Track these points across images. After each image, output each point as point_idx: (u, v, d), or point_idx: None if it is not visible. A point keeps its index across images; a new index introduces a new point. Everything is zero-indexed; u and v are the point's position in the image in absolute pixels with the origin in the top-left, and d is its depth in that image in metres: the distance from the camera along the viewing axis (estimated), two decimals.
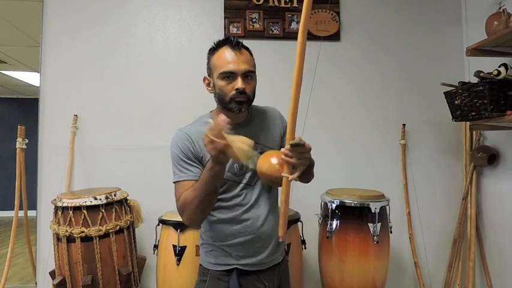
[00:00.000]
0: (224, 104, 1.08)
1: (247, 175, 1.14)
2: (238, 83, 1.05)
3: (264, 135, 1.19)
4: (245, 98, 1.07)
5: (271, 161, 0.98)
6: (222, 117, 0.85)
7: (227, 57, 1.06)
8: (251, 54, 1.12)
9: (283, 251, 1.27)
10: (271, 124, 1.23)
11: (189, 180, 1.06)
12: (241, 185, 1.14)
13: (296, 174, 0.92)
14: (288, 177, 0.91)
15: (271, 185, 1.15)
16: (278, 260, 1.21)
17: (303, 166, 0.93)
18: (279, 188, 0.98)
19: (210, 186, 0.97)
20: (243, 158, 0.87)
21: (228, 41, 1.08)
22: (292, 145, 0.89)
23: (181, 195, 1.04)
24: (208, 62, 1.13)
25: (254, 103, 1.17)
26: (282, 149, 0.92)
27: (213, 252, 1.17)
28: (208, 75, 1.14)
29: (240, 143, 0.86)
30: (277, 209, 1.20)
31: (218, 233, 1.15)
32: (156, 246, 1.83)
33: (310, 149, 0.94)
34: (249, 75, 1.08)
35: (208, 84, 1.15)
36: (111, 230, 1.68)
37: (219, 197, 1.11)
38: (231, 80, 1.06)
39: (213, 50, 1.11)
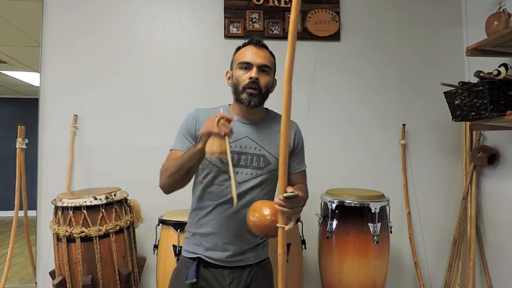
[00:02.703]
0: (237, 93, 1.14)
1: (237, 169, 1.14)
2: (253, 72, 1.11)
3: (270, 141, 1.18)
4: (257, 91, 1.12)
5: (263, 212, 0.96)
6: (234, 118, 0.99)
7: (247, 51, 1.15)
8: (272, 55, 1.20)
9: (264, 255, 1.24)
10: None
11: (180, 151, 1.13)
12: (224, 176, 1.14)
13: (292, 224, 0.93)
14: (284, 228, 0.91)
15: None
16: (250, 262, 1.18)
17: (297, 214, 0.96)
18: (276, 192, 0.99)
19: (186, 162, 1.05)
20: (208, 150, 0.96)
21: (253, 40, 1.18)
22: (286, 198, 0.90)
23: (167, 160, 1.14)
24: (232, 59, 1.22)
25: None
26: (276, 200, 0.92)
27: (187, 240, 1.22)
28: (230, 69, 1.22)
29: (218, 140, 0.95)
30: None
31: (194, 219, 1.20)
32: (156, 246, 1.83)
33: (303, 197, 0.97)
34: (265, 70, 1.14)
35: (229, 78, 1.22)
36: (111, 230, 1.68)
37: (205, 181, 1.16)
38: (247, 70, 1.13)
39: (238, 49, 1.21)
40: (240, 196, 1.12)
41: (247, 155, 1.15)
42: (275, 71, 1.21)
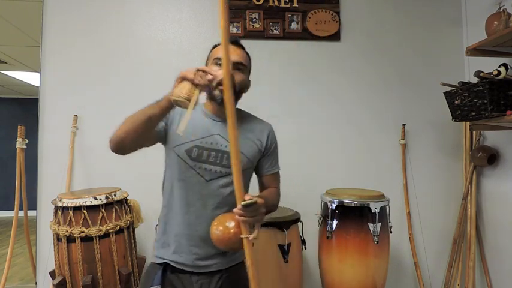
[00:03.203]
0: (211, 90, 1.07)
1: (205, 166, 1.09)
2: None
3: (242, 140, 1.12)
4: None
5: (226, 225, 0.92)
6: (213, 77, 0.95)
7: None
8: (248, 55, 1.17)
9: (237, 259, 1.16)
10: (255, 135, 1.17)
11: None
12: (192, 172, 1.09)
13: (256, 233, 0.91)
14: (249, 238, 0.89)
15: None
16: (220, 267, 1.11)
17: (260, 222, 0.93)
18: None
19: (149, 109, 0.99)
20: (176, 92, 0.92)
21: (230, 39, 1.12)
22: (244, 206, 0.87)
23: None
24: (208, 56, 1.20)
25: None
26: (235, 210, 0.89)
27: (156, 243, 1.16)
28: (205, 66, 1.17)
29: (189, 86, 0.92)
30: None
31: (162, 219, 1.15)
32: None
33: (263, 203, 0.93)
34: (240, 68, 1.12)
35: None
36: (111, 230, 1.68)
37: (172, 176, 1.11)
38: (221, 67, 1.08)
39: (214, 46, 1.19)
40: (209, 196, 1.08)
41: (218, 152, 1.09)
42: (250, 71, 1.19)
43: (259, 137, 1.18)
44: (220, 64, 1.08)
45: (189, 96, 0.92)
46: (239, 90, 1.12)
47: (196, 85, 0.94)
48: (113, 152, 1.07)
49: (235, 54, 1.12)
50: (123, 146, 1.05)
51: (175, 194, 1.11)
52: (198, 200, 1.08)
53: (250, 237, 0.89)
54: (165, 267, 1.10)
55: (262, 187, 1.23)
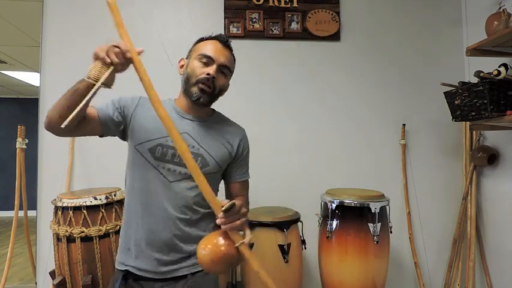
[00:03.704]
0: (188, 85, 1.05)
1: (169, 166, 1.02)
2: (212, 69, 1.04)
3: (211, 142, 1.08)
4: (210, 90, 1.04)
5: (214, 242, 0.84)
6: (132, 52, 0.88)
7: (211, 46, 1.07)
8: (234, 58, 1.14)
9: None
10: (226, 138, 1.12)
11: (96, 109, 1.04)
12: (155, 172, 1.02)
13: (248, 235, 0.87)
14: (244, 242, 0.84)
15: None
16: (185, 272, 1.03)
17: (246, 223, 0.90)
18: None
19: (73, 87, 0.95)
20: (87, 72, 0.84)
21: (220, 37, 1.10)
22: (225, 211, 0.82)
23: None
24: (192, 47, 1.14)
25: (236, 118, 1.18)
26: (218, 221, 0.85)
27: (119, 248, 1.09)
28: (186, 58, 1.14)
29: (100, 66, 0.86)
30: (202, 226, 1.06)
31: (124, 222, 1.08)
32: None
33: (240, 204, 0.89)
34: (224, 72, 1.08)
35: (182, 66, 1.13)
36: (111, 230, 1.68)
37: (134, 175, 1.05)
38: (206, 66, 1.05)
39: (201, 40, 1.13)
40: (172, 199, 1.01)
41: None
42: (231, 75, 1.14)
43: (231, 140, 1.12)
44: (205, 63, 1.05)
45: (96, 77, 0.85)
46: (217, 94, 1.09)
47: (109, 64, 0.86)
48: (46, 129, 0.96)
49: (223, 56, 1.07)
50: (55, 122, 0.93)
51: (135, 196, 1.04)
52: (160, 202, 1.01)
53: (246, 240, 0.86)
54: (127, 274, 1.04)
55: (229, 195, 1.17)
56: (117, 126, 1.07)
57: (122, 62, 0.88)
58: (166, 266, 1.02)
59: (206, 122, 1.11)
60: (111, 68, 0.85)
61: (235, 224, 0.85)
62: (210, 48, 1.06)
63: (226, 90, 1.14)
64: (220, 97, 1.13)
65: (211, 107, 1.16)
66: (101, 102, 1.09)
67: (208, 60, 1.05)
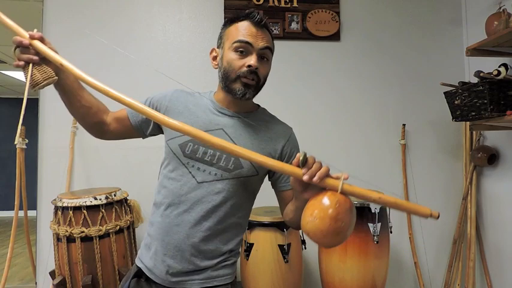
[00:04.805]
0: (228, 81, 0.92)
1: (199, 165, 0.92)
2: (252, 59, 0.88)
3: (250, 141, 0.95)
4: (254, 82, 0.91)
5: (321, 204, 0.68)
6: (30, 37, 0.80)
7: (246, 29, 0.90)
8: (273, 38, 0.97)
9: (217, 281, 0.94)
10: (269, 139, 0.98)
11: (125, 110, 1.05)
12: (183, 170, 0.93)
13: (341, 174, 0.75)
14: (340, 183, 0.71)
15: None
16: (196, 286, 0.92)
17: (327, 167, 0.77)
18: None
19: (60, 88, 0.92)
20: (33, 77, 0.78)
21: (251, 16, 0.92)
22: (303, 164, 0.72)
23: None
24: (221, 33, 0.98)
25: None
26: (305, 177, 0.72)
27: (143, 242, 1.01)
28: (218, 47, 0.99)
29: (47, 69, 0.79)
30: (224, 239, 0.94)
31: (150, 216, 1.00)
32: None
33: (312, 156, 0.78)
34: (266, 57, 0.93)
35: (214, 58, 0.99)
36: (111, 230, 1.68)
37: (164, 172, 0.98)
38: (245, 55, 0.90)
39: (230, 22, 0.96)
40: (197, 201, 0.91)
41: (216, 151, 0.91)
42: (273, 55, 0.98)
43: (274, 141, 0.98)
44: (242, 52, 0.89)
45: (35, 81, 0.79)
46: (263, 83, 0.95)
47: (25, 65, 0.81)
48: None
49: (263, 40, 0.90)
50: (77, 118, 1.04)
51: (163, 193, 0.96)
52: (183, 202, 0.92)
53: (340, 181, 0.72)
54: (141, 271, 0.97)
55: (283, 205, 1.00)
56: (155, 123, 1.01)
57: (29, 53, 0.81)
58: (176, 276, 0.92)
59: (247, 118, 0.98)
60: (30, 65, 0.80)
61: (323, 171, 0.73)
62: (245, 33, 0.90)
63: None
64: None
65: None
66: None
67: (245, 49, 0.89)
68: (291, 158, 0.97)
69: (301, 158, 0.72)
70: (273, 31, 2.24)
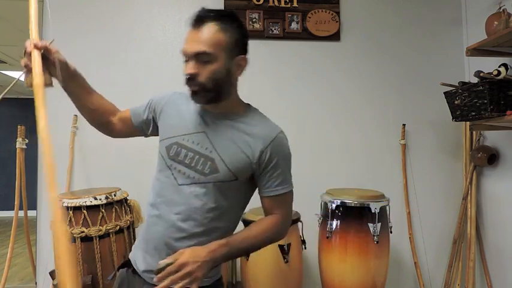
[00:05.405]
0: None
1: (180, 168, 0.92)
2: (188, 67, 0.86)
3: (227, 144, 0.91)
4: (196, 87, 0.86)
5: None
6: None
7: (187, 35, 0.90)
8: (223, 30, 0.88)
9: (208, 281, 0.92)
10: (247, 141, 0.92)
11: (129, 110, 1.09)
12: (168, 172, 0.94)
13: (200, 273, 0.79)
14: None
15: None
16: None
17: (197, 280, 0.79)
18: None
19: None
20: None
21: (192, 18, 0.93)
22: (160, 270, 0.77)
23: None
24: None
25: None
26: (155, 280, 0.78)
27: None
28: None
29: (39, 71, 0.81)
30: (200, 244, 0.89)
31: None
32: None
33: (184, 263, 0.79)
34: (203, 58, 0.85)
35: None
36: (111, 230, 1.68)
37: (156, 173, 1.00)
38: (188, 63, 0.88)
39: None
40: (176, 203, 0.91)
41: (196, 154, 0.91)
42: (230, 49, 0.88)
43: (252, 144, 0.91)
44: (186, 61, 0.89)
45: (30, 83, 0.82)
46: (215, 85, 0.87)
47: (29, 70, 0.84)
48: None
49: (197, 42, 0.86)
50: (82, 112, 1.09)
51: (152, 193, 0.99)
52: (164, 203, 0.93)
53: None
54: (129, 263, 1.01)
55: (264, 211, 1.01)
56: (154, 124, 1.06)
57: (29, 60, 0.86)
58: (150, 273, 0.89)
59: (233, 120, 0.94)
60: (24, 69, 0.85)
61: (178, 276, 0.78)
62: (185, 41, 0.90)
63: (244, 66, 0.94)
64: (238, 78, 0.97)
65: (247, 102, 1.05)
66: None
67: (186, 56, 0.88)
68: (271, 163, 0.92)
69: (160, 266, 0.78)
70: (272, 31, 2.27)
